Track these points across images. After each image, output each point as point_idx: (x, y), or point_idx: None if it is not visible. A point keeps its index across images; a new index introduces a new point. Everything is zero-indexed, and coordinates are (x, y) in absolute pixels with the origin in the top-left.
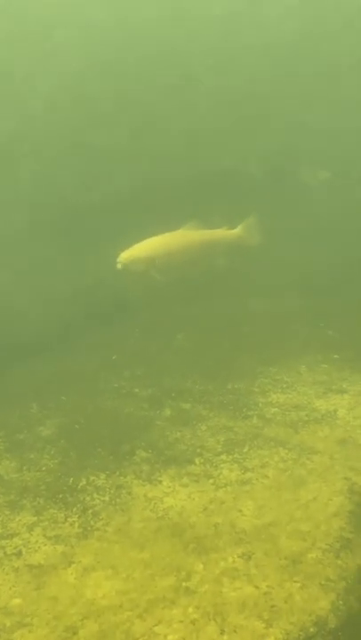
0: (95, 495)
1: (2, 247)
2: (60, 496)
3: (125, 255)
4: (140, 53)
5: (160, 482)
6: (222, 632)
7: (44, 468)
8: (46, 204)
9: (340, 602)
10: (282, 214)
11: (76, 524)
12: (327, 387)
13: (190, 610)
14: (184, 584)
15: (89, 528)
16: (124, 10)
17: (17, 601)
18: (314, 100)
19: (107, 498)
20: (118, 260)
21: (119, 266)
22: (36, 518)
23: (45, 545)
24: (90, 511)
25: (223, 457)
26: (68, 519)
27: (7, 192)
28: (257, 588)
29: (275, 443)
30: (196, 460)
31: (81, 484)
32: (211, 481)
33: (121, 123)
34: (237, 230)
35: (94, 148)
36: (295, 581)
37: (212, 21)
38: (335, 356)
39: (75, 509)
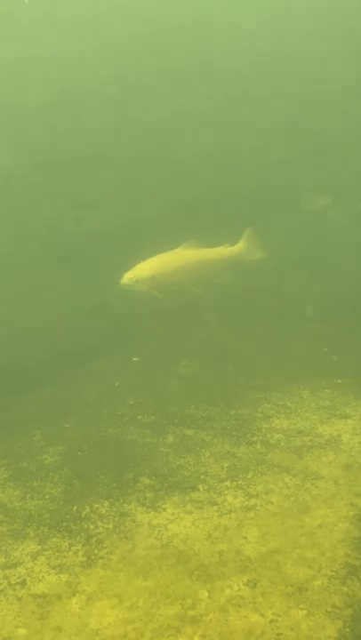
0: (99, 523)
1: (2, 275)
2: (64, 524)
3: (129, 276)
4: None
5: (164, 509)
6: None
7: (47, 497)
8: (45, 229)
9: (347, 629)
10: (280, 236)
11: (80, 553)
12: (331, 412)
13: (196, 639)
14: (189, 612)
15: (93, 556)
16: None
17: (22, 631)
18: None
19: (111, 526)
20: (122, 281)
21: (123, 287)
22: (39, 547)
23: (49, 574)
24: (94, 539)
25: (227, 483)
26: (72, 548)
27: (9, 216)
28: (263, 616)
29: (279, 469)
30: (200, 487)
31: (85, 512)
32: (215, 508)
33: (121, 143)
34: (239, 245)
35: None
36: (301, 609)
37: None
38: (338, 381)
39: (79, 538)
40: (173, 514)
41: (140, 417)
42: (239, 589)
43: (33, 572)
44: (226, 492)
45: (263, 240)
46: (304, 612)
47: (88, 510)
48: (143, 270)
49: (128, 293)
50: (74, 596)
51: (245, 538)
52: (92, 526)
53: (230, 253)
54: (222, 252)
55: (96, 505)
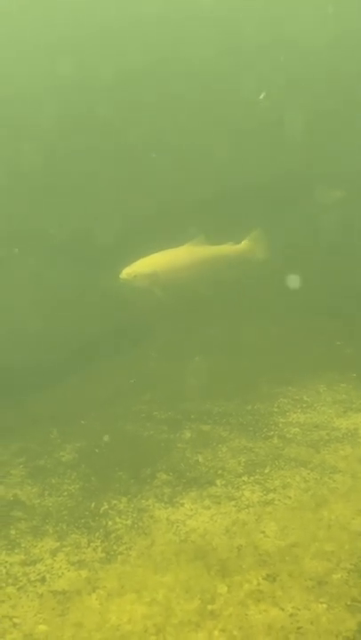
0: (117, 519)
1: (15, 274)
2: (83, 521)
3: (128, 270)
4: None
5: (182, 504)
6: None
7: (65, 493)
8: (55, 230)
9: None
10: (295, 232)
11: (100, 549)
12: (347, 405)
13: (216, 633)
14: (209, 607)
15: (112, 552)
16: None
17: (42, 627)
18: None
19: (129, 522)
20: (121, 275)
21: (121, 281)
22: (58, 544)
23: (69, 570)
24: (112, 535)
25: (244, 478)
26: (91, 544)
27: (13, 214)
28: (283, 610)
29: (296, 463)
30: (218, 482)
31: (103, 509)
32: (233, 502)
33: (128, 136)
34: (243, 245)
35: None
36: (321, 602)
37: None
38: (353, 375)
39: (97, 534)
40: (191, 509)
41: (156, 413)
42: (258, 584)
43: (52, 568)
44: (243, 486)
45: (269, 242)
46: (324, 605)
47: (106, 506)
48: (144, 266)
49: (126, 289)
50: (94, 591)
51: (264, 532)
52: (110, 522)
53: (234, 252)
54: (226, 249)
55: (114, 501)
